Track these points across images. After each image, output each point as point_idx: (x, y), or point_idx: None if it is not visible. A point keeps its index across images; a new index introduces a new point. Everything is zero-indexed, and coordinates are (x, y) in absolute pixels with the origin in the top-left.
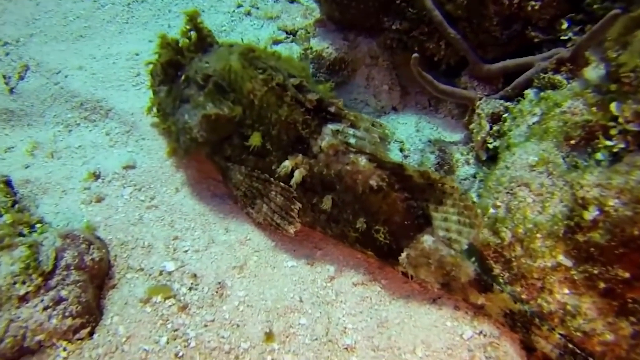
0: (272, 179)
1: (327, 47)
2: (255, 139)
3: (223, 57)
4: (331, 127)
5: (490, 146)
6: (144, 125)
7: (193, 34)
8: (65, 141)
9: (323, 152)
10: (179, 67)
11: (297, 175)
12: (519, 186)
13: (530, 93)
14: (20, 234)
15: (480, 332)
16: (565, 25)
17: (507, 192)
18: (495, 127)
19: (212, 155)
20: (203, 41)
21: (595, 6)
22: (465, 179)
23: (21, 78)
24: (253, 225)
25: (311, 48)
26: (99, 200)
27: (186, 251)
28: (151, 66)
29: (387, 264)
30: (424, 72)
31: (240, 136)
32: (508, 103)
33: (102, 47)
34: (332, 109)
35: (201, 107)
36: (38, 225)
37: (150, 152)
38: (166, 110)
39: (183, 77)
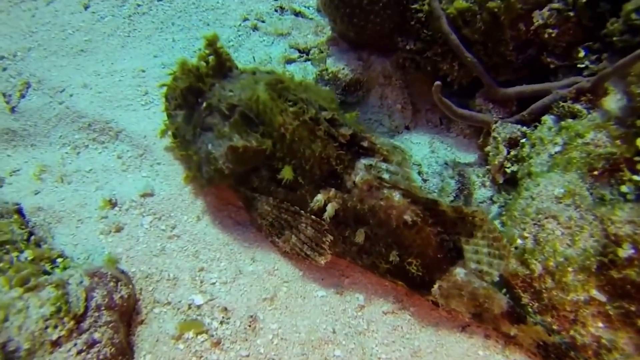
0: (302, 211)
1: (343, 68)
2: (286, 173)
3: (249, 87)
4: (364, 161)
5: (508, 170)
6: (157, 149)
7: (212, 58)
8: (74, 164)
9: (357, 187)
10: (199, 93)
11: (330, 209)
12: (546, 218)
13: (548, 120)
14: (44, 272)
15: None
16: (582, 54)
17: (535, 224)
18: (512, 152)
19: (236, 186)
20: (222, 66)
21: (614, 38)
22: (482, 202)
23: (22, 96)
24: (279, 255)
25: (327, 69)
26: (118, 230)
27: (214, 283)
28: (165, 89)
29: (416, 293)
30: (444, 98)
31: (269, 168)
32: (525, 128)
33: (105, 62)
34: (365, 144)
35: (227, 138)
36: (59, 259)
37: (167, 178)
38: (185, 136)
39: (205, 105)
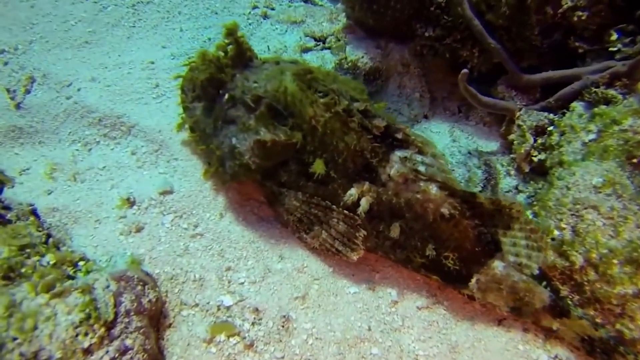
0: (334, 206)
1: (362, 57)
2: (318, 167)
3: (275, 77)
4: (399, 154)
5: (535, 159)
6: (174, 143)
7: (231, 47)
8: (86, 161)
9: (392, 181)
10: (220, 85)
11: (365, 203)
12: (585, 209)
13: (578, 107)
14: (67, 276)
15: (556, 357)
16: (614, 36)
17: (573, 215)
18: (539, 140)
19: (262, 181)
20: (243, 56)
21: None
22: (508, 191)
23: (27, 91)
24: (307, 251)
25: (346, 58)
26: (139, 230)
27: (242, 283)
28: (180, 80)
29: (450, 287)
30: (469, 86)
31: (298, 162)
32: (552, 115)
33: (112, 55)
34: (400, 135)
35: (253, 132)
36: (81, 263)
37: (186, 175)
38: (205, 130)
39: (227, 96)
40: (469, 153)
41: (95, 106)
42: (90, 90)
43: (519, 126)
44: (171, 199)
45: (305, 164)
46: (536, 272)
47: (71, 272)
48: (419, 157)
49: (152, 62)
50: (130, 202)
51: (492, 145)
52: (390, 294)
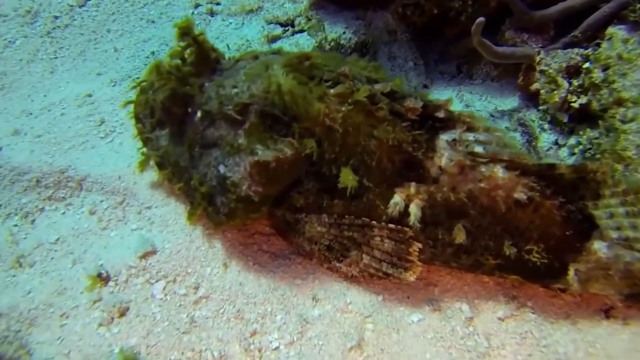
0: (373, 222)
1: (344, 32)
2: (347, 179)
3: (260, 75)
4: (445, 137)
5: (575, 105)
6: (141, 189)
7: (189, 51)
8: (31, 237)
9: (446, 173)
10: (187, 101)
11: (415, 210)
12: None
13: (618, 32)
14: None
15: None
16: None
17: None
18: (575, 82)
19: (272, 211)
20: (207, 59)
21: None
22: (548, 149)
23: None
24: (345, 282)
25: (326, 37)
26: (123, 313)
27: (277, 348)
28: (132, 107)
29: (536, 284)
30: (484, 39)
31: (316, 178)
32: (583, 50)
33: (36, 97)
34: (441, 114)
35: (247, 153)
36: None
37: (167, 224)
38: (179, 162)
39: (200, 114)
40: (492, 116)
41: (28, 165)
42: (15, 146)
43: (543, 72)
44: (156, 260)
45: (327, 178)
46: None
47: None
48: (471, 136)
49: (89, 95)
50: (103, 278)
51: (511, 102)
52: (461, 310)
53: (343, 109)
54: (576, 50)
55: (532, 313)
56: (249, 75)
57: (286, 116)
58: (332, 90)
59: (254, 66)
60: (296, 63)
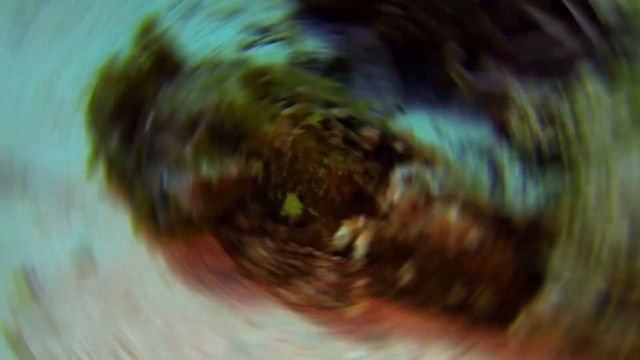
0: (318, 252)
1: (321, 46)
2: (291, 206)
3: (216, 86)
4: (400, 172)
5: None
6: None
7: (148, 53)
8: None
9: (396, 210)
10: (139, 106)
11: (361, 245)
12: None
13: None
14: None
15: None
16: None
17: None
18: (545, 115)
19: (217, 230)
20: (167, 61)
21: None
22: (515, 193)
23: None
24: (287, 309)
25: (301, 50)
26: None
27: None
28: (85, 108)
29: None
30: (461, 67)
31: (261, 199)
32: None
33: None
34: (399, 146)
35: (191, 168)
36: None
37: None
38: (125, 169)
39: (150, 122)
40: (462, 147)
41: None
42: None
43: (516, 104)
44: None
45: (272, 202)
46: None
47: None
48: (428, 173)
49: None
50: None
51: (484, 132)
52: (407, 349)
53: (294, 131)
54: (551, 86)
55: (482, 355)
56: (204, 86)
57: (235, 133)
58: (284, 111)
59: (211, 76)
60: (253, 78)
